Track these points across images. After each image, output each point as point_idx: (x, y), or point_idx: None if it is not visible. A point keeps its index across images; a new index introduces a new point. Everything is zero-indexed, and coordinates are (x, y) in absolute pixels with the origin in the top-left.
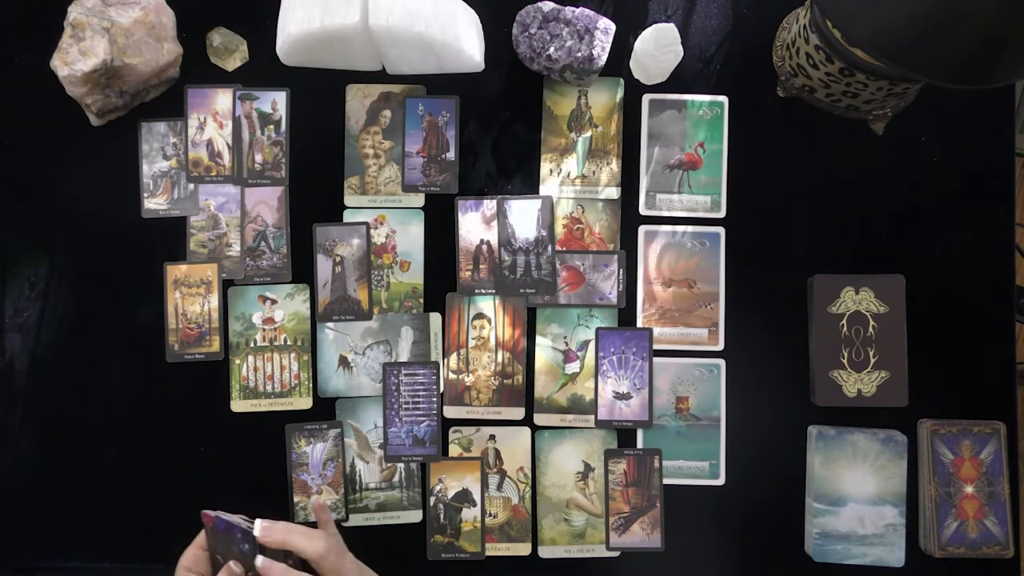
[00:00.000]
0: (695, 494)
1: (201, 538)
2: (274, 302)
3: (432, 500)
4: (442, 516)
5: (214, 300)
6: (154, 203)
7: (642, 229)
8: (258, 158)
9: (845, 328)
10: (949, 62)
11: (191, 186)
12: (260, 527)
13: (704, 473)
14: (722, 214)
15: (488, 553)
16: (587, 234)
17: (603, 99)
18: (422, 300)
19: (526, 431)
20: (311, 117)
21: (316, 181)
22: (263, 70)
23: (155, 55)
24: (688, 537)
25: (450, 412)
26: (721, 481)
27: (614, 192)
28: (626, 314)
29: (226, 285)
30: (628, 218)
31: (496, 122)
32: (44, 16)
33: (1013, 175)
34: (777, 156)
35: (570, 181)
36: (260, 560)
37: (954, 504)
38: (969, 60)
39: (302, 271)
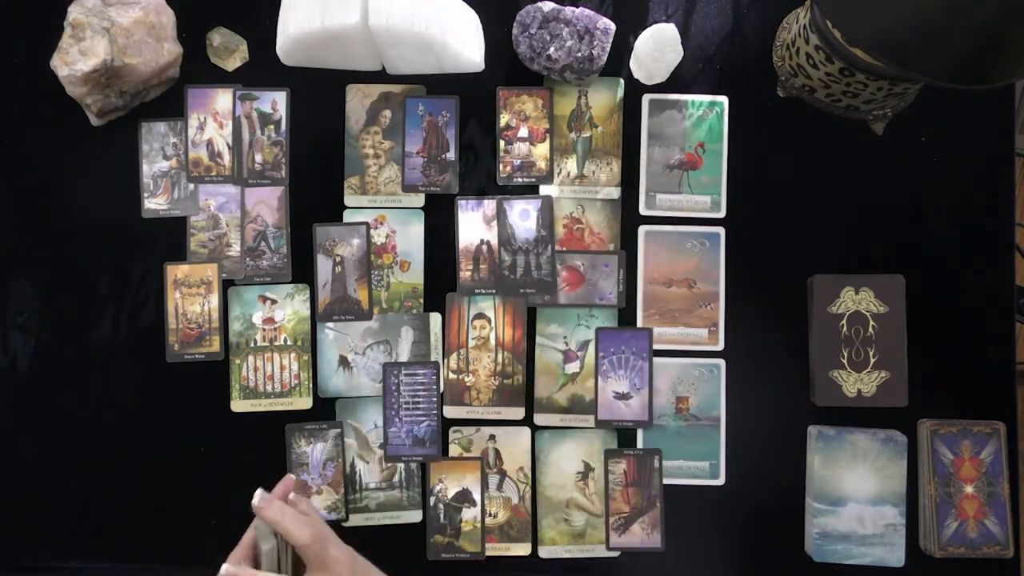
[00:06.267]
0: (695, 494)
1: (246, 540)
2: (274, 302)
3: (432, 500)
4: (442, 516)
5: (214, 300)
6: (154, 203)
7: (642, 229)
8: (258, 158)
9: (845, 328)
10: (949, 62)
11: (191, 186)
12: (259, 497)
13: (704, 473)
14: (722, 214)
15: (488, 553)
16: (587, 234)
17: (603, 99)
18: (422, 300)
19: (526, 431)
20: (311, 117)
21: (316, 181)
22: (263, 70)
23: (155, 55)
24: (688, 537)
25: (450, 412)
26: (721, 481)
27: (614, 192)
28: (626, 314)
29: (226, 285)
30: (628, 218)
31: (496, 122)
32: (44, 16)
33: (1013, 175)
34: (777, 156)
35: (570, 181)
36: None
37: (954, 504)
38: (969, 60)
39: (302, 271)
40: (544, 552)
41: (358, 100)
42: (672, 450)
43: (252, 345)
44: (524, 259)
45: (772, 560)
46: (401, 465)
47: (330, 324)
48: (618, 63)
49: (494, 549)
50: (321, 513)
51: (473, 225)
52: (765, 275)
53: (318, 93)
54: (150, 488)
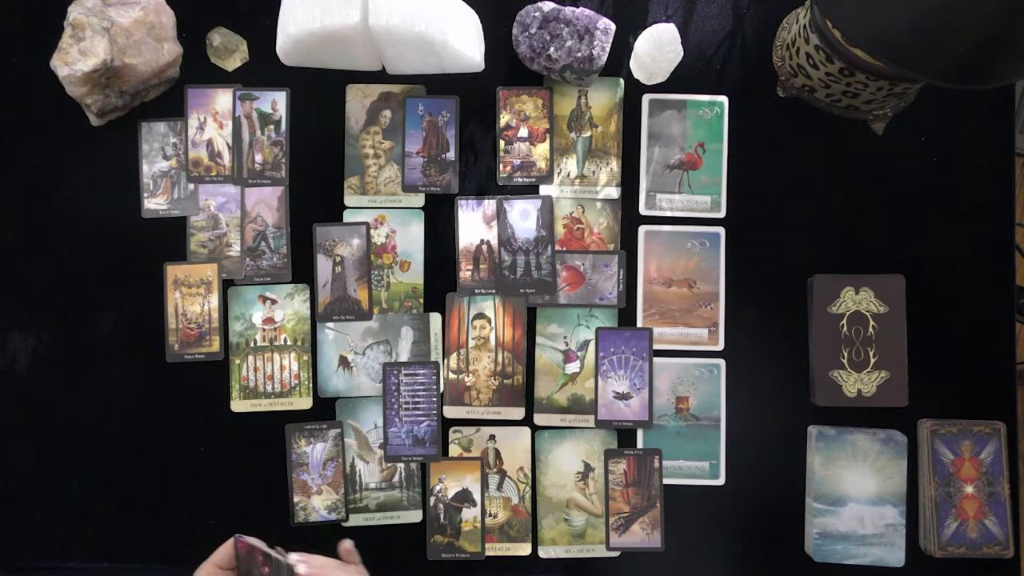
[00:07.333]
0: (695, 494)
1: (217, 555)
2: (274, 302)
3: (432, 500)
4: (442, 516)
5: (214, 300)
6: (154, 203)
7: (642, 229)
8: (258, 158)
9: (845, 328)
10: (949, 62)
11: (191, 186)
12: (300, 563)
13: (704, 473)
14: (722, 214)
15: (488, 553)
16: (587, 234)
17: (603, 99)
18: (422, 300)
19: (526, 431)
20: (311, 117)
21: (316, 181)
22: (263, 70)
23: (155, 55)
24: (688, 537)
25: (450, 412)
26: (721, 481)
27: (614, 192)
28: (626, 314)
29: (226, 285)
30: (628, 218)
31: (496, 122)
32: (44, 16)
33: (1013, 175)
34: (777, 156)
35: (570, 181)
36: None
37: (954, 504)
38: (969, 60)
39: (302, 271)
40: (544, 552)
41: (358, 100)
42: (672, 450)
43: (252, 345)
44: (524, 259)
45: (772, 560)
46: (401, 465)
47: (330, 324)
48: (618, 63)
49: (494, 549)
50: (321, 513)
51: (473, 225)
52: (765, 275)
53: (318, 93)
54: (150, 488)
